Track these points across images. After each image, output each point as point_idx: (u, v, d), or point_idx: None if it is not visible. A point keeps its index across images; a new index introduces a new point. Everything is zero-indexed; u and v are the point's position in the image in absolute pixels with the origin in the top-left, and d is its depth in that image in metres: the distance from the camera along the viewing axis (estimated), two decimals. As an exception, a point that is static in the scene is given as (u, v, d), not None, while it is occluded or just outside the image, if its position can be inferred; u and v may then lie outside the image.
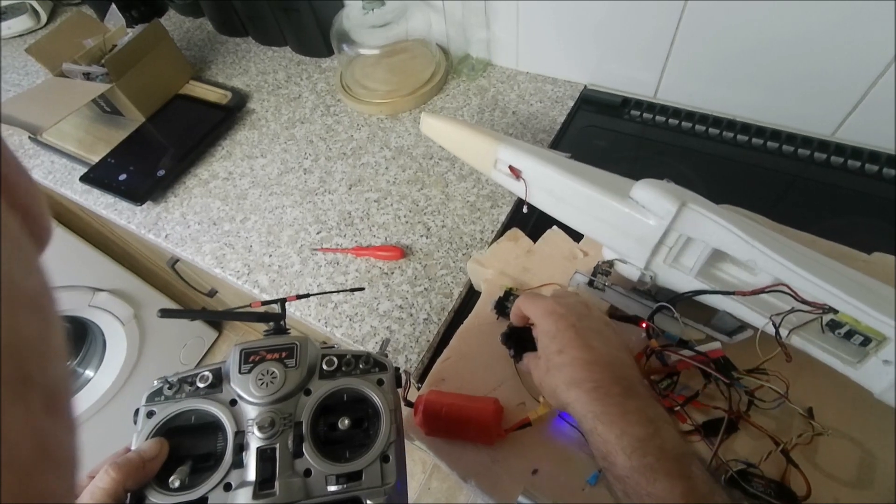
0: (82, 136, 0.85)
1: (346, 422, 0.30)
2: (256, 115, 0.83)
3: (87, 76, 0.80)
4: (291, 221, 0.66)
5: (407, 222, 0.64)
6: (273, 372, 0.30)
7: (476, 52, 0.81)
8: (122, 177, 0.75)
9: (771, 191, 0.60)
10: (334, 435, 0.30)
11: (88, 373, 1.28)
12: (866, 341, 0.34)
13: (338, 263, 0.61)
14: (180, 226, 0.70)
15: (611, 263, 0.45)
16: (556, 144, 0.71)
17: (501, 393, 0.43)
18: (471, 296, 0.56)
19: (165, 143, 0.80)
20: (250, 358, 0.31)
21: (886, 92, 0.54)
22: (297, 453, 0.29)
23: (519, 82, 0.79)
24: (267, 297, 0.60)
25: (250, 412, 0.30)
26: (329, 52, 0.90)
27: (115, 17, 0.86)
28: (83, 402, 1.23)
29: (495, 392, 0.44)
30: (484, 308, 0.49)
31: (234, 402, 0.30)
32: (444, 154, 0.71)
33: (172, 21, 1.08)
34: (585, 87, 0.76)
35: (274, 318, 0.36)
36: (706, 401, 0.39)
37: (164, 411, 0.30)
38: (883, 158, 0.58)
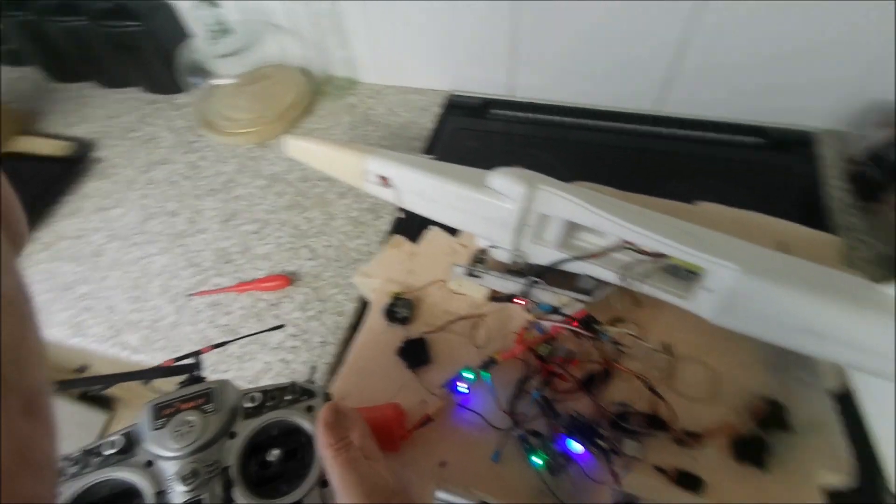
0: None
1: (277, 453, 0.29)
2: (106, 162, 0.75)
3: None
4: (160, 270, 0.61)
5: (290, 248, 0.61)
6: (190, 421, 0.29)
7: (339, 72, 0.81)
8: (-62, 255, 0.63)
9: (616, 163, 0.68)
10: (269, 472, 0.29)
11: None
12: (693, 276, 0.40)
13: (219, 304, 0.57)
14: (24, 298, 0.60)
15: (484, 251, 0.48)
16: (430, 150, 0.73)
17: (403, 396, 0.43)
18: (365, 309, 0.55)
19: (-7, 209, 0.69)
20: (163, 412, 0.29)
21: (685, 69, 0.64)
22: (228, 500, 0.27)
23: (386, 96, 0.81)
24: (142, 357, 0.54)
25: (170, 468, 0.27)
26: (183, 88, 0.85)
27: None
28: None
29: (397, 396, 0.44)
30: (375, 318, 0.49)
31: (150, 464, 0.28)
32: (321, 175, 0.70)
33: (-11, 72, 0.95)
34: (450, 93, 0.80)
35: (188, 370, 0.35)
36: (584, 358, 0.42)
37: (69, 490, 0.27)
38: (689, 123, 0.69)
